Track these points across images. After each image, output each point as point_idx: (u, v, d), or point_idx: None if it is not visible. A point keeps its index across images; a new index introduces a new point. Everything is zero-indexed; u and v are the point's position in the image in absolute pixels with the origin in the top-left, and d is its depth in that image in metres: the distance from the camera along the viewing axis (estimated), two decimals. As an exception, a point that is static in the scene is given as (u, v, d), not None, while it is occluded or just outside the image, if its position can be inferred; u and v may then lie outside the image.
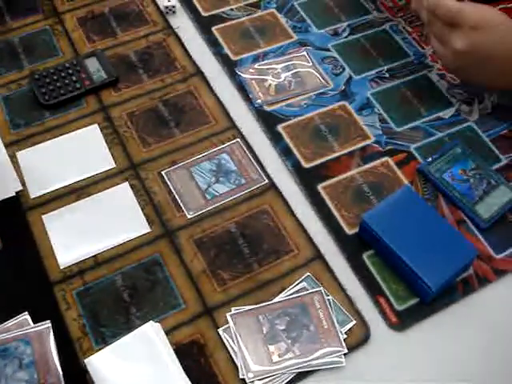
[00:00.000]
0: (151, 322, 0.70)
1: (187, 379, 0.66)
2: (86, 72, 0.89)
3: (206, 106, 0.88)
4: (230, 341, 0.70)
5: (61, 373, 0.67)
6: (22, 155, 0.83)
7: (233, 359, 0.69)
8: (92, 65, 0.90)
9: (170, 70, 0.92)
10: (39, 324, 0.71)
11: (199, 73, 0.92)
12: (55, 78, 0.88)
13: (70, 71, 0.89)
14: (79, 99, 0.88)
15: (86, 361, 0.67)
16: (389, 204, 0.77)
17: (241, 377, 0.67)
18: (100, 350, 0.68)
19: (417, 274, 0.71)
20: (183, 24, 0.98)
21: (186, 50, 0.94)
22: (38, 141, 0.84)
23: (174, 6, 0.98)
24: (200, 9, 1.00)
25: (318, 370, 0.68)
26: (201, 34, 0.97)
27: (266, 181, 0.81)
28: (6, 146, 0.84)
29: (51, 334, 0.70)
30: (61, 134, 0.85)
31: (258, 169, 0.82)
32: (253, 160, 0.83)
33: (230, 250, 0.76)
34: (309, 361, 0.68)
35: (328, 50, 0.95)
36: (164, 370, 0.67)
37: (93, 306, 0.72)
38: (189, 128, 0.86)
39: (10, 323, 0.71)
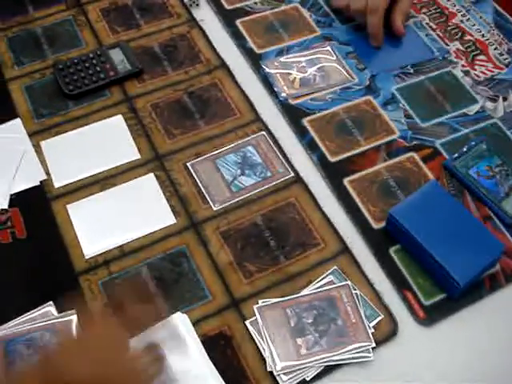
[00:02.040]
0: (179, 312, 0.69)
1: (215, 370, 0.66)
2: (110, 63, 0.89)
3: (230, 98, 0.88)
4: (257, 333, 0.69)
5: (86, 363, 0.67)
6: (46, 145, 0.83)
7: (260, 352, 0.68)
8: (116, 56, 0.90)
9: (194, 62, 0.92)
10: (64, 314, 0.70)
11: (223, 65, 0.91)
12: (79, 68, 0.88)
13: (94, 62, 0.89)
14: (103, 90, 0.88)
15: (112, 351, 0.67)
16: (416, 198, 0.76)
17: (268, 369, 0.67)
18: (126, 340, 0.68)
19: (445, 268, 0.71)
20: (207, 17, 0.97)
21: (210, 43, 0.94)
22: (62, 131, 0.84)
23: (197, -1, 0.97)
24: (224, 2, 0.99)
25: (346, 364, 0.68)
26: (225, 27, 0.96)
27: (292, 174, 0.81)
28: (30, 135, 0.84)
29: (76, 323, 0.69)
30: (85, 124, 0.85)
31: (284, 162, 0.82)
32: (278, 153, 0.82)
33: (257, 242, 0.75)
34: (337, 354, 0.68)
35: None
36: (191, 360, 0.66)
37: (119, 296, 0.71)
38: (213, 120, 0.86)
39: (35, 313, 0.71)
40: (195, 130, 0.85)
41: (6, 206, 0.77)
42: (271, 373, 0.67)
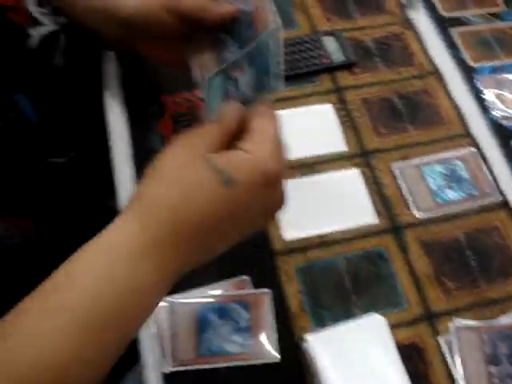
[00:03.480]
0: (376, 314, 0.68)
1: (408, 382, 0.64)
2: (324, 50, 0.88)
3: (441, 107, 0.85)
4: (449, 352, 0.67)
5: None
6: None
7: (450, 371, 0.66)
8: (330, 44, 0.89)
9: (406, 63, 0.90)
10: (259, 290, 0.70)
11: (436, 73, 0.89)
12: (294, 50, 0.87)
13: (309, 46, 0.88)
14: (314, 75, 0.87)
15: (306, 337, 0.66)
16: None
17: (457, 391, 0.65)
18: (316, 329, 0.67)
19: None
20: (422, 20, 0.95)
21: (423, 47, 0.92)
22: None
23: (415, 0, 0.95)
24: (440, 8, 0.97)
25: (537, 403, 0.65)
26: (438, 34, 0.94)
27: (500, 198, 0.78)
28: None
29: (270, 301, 0.69)
30: (293, 106, 0.84)
31: (492, 183, 0.79)
32: (487, 173, 0.80)
33: (457, 259, 0.73)
34: (530, 393, 0.65)
35: None
36: (385, 367, 0.65)
37: (313, 285, 0.71)
38: (422, 126, 0.84)
39: (230, 283, 0.71)
40: (403, 133, 0.83)
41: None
42: (460, 395, 0.65)
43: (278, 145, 0.54)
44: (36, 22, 0.75)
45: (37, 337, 0.44)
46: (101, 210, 0.82)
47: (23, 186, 0.71)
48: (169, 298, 0.69)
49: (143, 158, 0.78)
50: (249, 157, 0.51)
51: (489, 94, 0.87)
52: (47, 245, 0.73)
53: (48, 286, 0.47)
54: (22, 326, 0.44)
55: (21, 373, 0.42)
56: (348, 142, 0.81)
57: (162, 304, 0.69)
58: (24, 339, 0.44)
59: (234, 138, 0.54)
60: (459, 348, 0.67)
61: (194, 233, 0.50)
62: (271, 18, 0.58)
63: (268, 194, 0.52)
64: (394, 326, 0.68)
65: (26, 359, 0.43)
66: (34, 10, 0.75)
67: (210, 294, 0.70)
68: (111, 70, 0.86)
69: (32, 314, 0.45)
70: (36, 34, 0.74)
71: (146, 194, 0.51)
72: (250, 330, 0.68)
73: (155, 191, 0.50)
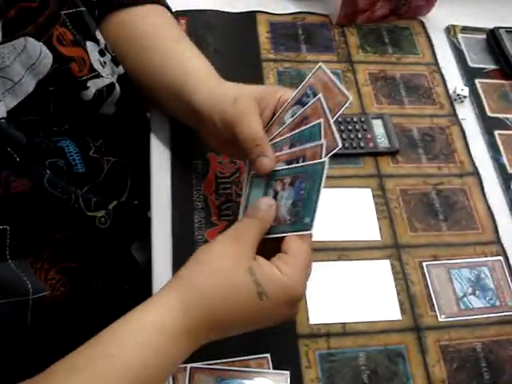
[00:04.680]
0: (390, 417, 0.70)
1: None
2: (371, 133, 0.90)
3: (475, 210, 0.87)
4: None
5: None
6: (294, 193, 0.84)
7: None
8: (378, 128, 0.91)
9: (448, 159, 0.91)
10: (279, 371, 0.71)
11: (476, 174, 0.91)
12: (342, 128, 0.89)
13: (357, 127, 0.90)
14: (358, 157, 0.89)
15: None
16: None
17: None
18: (329, 420, 0.68)
19: None
20: (468, 117, 0.97)
21: (466, 145, 0.93)
22: (312, 185, 0.85)
23: (465, 96, 0.97)
24: (487, 107, 0.99)
25: None
26: (483, 134, 0.95)
27: (520, 313, 0.80)
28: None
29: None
30: (333, 186, 0.86)
31: (515, 296, 0.81)
32: (511, 284, 0.82)
33: (471, 369, 0.75)
34: None
35: None
36: None
37: (332, 374, 0.72)
38: (455, 227, 0.85)
39: (250, 359, 0.72)
40: (437, 231, 0.84)
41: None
42: None
43: (307, 269, 0.62)
44: (95, 74, 0.76)
45: None
46: (125, 258, 0.83)
47: (55, 234, 0.71)
48: (190, 365, 0.70)
49: (182, 212, 0.80)
50: (284, 280, 0.60)
51: (523, 205, 0.89)
52: (73, 297, 0.74)
53: (96, 352, 0.56)
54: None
55: None
56: (382, 232, 0.83)
57: (182, 367, 0.70)
58: None
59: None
60: None
61: (225, 324, 0.61)
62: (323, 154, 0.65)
63: (289, 309, 0.63)
64: (402, 429, 0.70)
65: None
66: (95, 60, 0.76)
67: (230, 367, 0.71)
68: (160, 118, 0.88)
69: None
70: (93, 86, 0.76)
71: (192, 282, 0.60)
72: (267, 410, 0.69)
73: (201, 282, 0.60)
